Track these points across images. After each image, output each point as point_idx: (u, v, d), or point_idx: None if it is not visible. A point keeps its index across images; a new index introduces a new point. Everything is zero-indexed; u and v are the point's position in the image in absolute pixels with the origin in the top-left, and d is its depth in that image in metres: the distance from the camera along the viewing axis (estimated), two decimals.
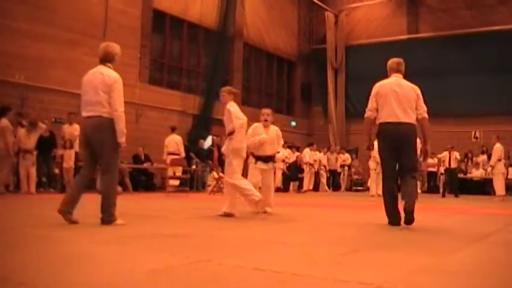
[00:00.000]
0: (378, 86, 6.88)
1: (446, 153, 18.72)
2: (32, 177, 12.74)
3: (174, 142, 16.49)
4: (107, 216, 6.02)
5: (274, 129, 9.01)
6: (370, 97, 6.86)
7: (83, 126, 6.35)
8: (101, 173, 6.33)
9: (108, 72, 6.16)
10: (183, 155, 16.60)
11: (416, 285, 3.28)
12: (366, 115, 6.96)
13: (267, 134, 8.85)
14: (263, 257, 4.12)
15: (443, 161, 18.96)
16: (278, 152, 9.58)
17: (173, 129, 16.85)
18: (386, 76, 7.05)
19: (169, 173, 15.68)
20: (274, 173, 20.02)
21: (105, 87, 6.04)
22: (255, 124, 9.02)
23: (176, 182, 15.78)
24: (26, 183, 12.60)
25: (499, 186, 16.59)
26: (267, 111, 9.10)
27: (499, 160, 16.42)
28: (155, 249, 4.42)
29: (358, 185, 23.97)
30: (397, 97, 6.68)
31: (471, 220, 8.98)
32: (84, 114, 6.19)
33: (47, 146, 13.44)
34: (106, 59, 6.30)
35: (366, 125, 7.06)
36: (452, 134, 18.87)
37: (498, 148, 16.38)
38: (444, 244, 5.32)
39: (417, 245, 5.20)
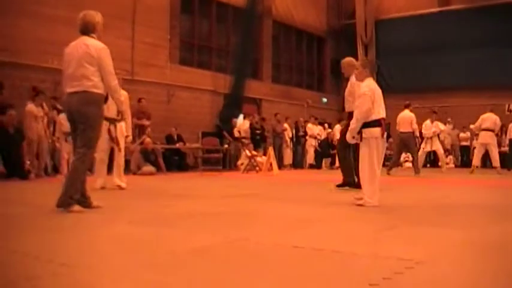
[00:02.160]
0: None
1: None
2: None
3: (244, 128, 18.19)
4: (65, 199, 5.39)
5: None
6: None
7: (67, 103, 5.79)
8: (75, 148, 5.67)
9: (92, 43, 5.65)
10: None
11: (457, 260, 3.28)
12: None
13: None
14: (301, 235, 4.15)
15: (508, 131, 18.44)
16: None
17: (244, 116, 18.99)
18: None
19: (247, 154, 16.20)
20: (307, 150, 20.21)
21: (91, 59, 5.57)
22: None
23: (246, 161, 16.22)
24: (66, 166, 12.77)
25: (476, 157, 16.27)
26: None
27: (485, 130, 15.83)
28: (194, 229, 4.47)
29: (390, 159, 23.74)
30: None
31: (506, 194, 8.88)
32: (68, 89, 5.65)
33: None
34: (87, 30, 5.75)
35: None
36: (485, 107, 18.52)
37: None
38: (479, 218, 5.29)
39: (453, 220, 5.17)
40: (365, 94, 6.27)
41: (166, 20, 18.20)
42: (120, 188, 8.71)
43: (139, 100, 14.88)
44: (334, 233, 4.33)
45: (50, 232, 4.31)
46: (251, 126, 18.53)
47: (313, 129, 20.28)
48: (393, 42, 25.06)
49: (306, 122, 20.58)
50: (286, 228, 4.54)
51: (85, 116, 5.56)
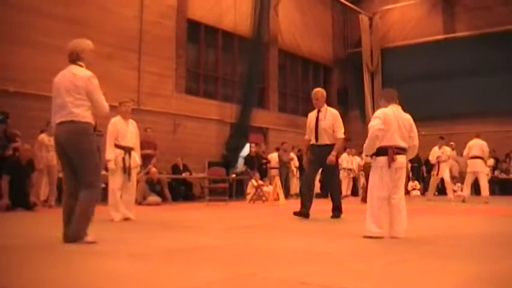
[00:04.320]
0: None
1: None
2: None
3: (275, 158, 19.05)
4: (77, 232, 5.31)
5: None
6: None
7: (55, 134, 5.66)
8: (80, 185, 5.50)
9: (79, 72, 5.59)
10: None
11: None
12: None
13: None
14: (308, 270, 3.98)
15: None
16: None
17: (277, 149, 19.52)
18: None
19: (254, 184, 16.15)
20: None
21: (78, 88, 5.50)
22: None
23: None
24: None
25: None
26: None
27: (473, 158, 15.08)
28: (196, 263, 4.30)
29: None
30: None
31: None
32: (56, 120, 5.58)
33: None
34: (73, 58, 5.71)
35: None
36: (492, 133, 18.35)
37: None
38: (492, 251, 5.11)
39: (465, 252, 5.00)
40: (376, 117, 6.00)
41: (172, 49, 18.24)
42: (127, 219, 8.54)
43: (145, 130, 14.83)
44: (342, 266, 4.16)
45: (53, 267, 4.14)
46: (257, 156, 18.41)
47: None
48: (399, 70, 25.02)
49: None
50: (293, 263, 4.37)
51: (75, 148, 5.49)
